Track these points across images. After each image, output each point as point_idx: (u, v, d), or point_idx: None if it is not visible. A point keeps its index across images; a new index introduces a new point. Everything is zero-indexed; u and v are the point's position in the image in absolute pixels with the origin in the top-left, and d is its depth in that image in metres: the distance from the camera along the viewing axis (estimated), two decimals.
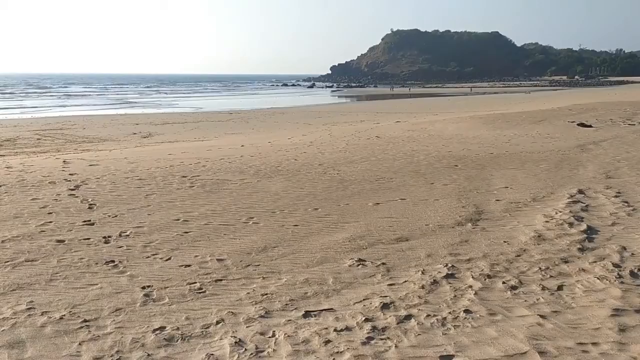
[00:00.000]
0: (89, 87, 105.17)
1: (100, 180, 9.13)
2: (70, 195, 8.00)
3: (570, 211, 6.83)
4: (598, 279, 4.56)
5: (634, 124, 17.44)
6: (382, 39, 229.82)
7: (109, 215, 6.87)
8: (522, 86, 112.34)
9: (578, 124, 17.04)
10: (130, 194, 8.05)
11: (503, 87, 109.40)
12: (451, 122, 20.64)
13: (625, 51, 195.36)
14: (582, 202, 7.33)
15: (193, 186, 8.64)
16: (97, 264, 5.10)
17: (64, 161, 12.92)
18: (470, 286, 4.43)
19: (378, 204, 7.47)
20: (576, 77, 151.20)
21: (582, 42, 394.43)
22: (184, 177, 9.49)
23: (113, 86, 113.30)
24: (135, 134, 26.49)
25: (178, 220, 6.66)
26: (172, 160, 12.00)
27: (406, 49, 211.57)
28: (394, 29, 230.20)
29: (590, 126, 16.76)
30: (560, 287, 4.40)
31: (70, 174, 9.84)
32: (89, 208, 7.26)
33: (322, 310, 4.03)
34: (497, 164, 10.61)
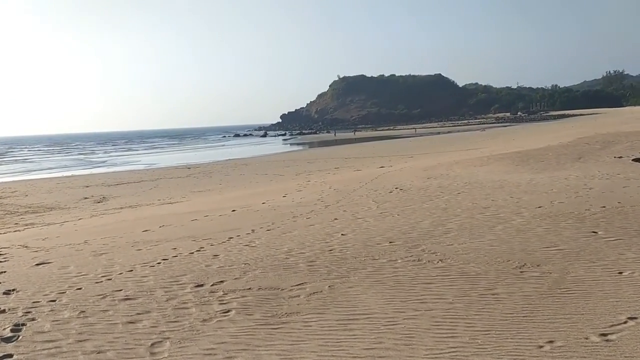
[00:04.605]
0: (19, 151, 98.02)
1: (56, 310, 5.22)
2: None
3: None
4: None
5: None
6: (330, 86, 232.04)
7: None
8: (470, 124, 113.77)
9: (634, 160, 14.39)
10: (127, 354, 4.23)
11: (453, 126, 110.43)
12: (470, 164, 17.71)
13: (560, 86, 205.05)
14: None
15: (229, 311, 4.89)
16: None
17: None
18: None
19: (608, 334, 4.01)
20: (519, 113, 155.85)
21: (519, 80, 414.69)
22: (199, 286, 5.73)
23: (48, 148, 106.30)
24: (86, 198, 22.37)
25: None
26: (157, 245, 8.20)
27: (354, 94, 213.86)
28: (341, 76, 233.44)
29: None
30: None
31: (4, 293, 5.88)
32: None
33: None
34: None
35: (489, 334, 3.97)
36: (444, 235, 7.47)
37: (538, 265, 5.60)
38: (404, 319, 4.36)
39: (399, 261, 6.20)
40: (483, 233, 7.36)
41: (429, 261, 6.09)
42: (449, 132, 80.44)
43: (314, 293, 5.22)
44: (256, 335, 4.25)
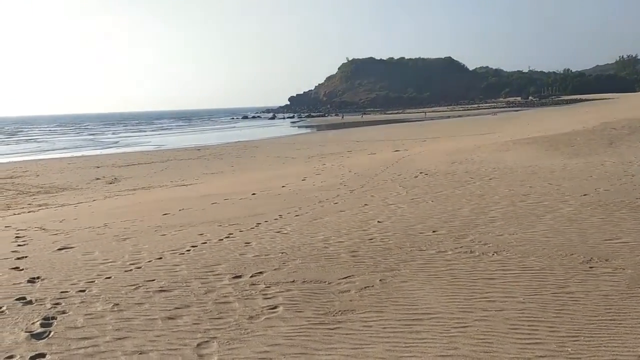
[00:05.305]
0: (29, 130, 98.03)
1: (88, 302, 4.82)
2: None
3: None
4: None
5: None
6: (339, 68, 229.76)
7: None
8: (481, 108, 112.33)
9: None
10: None
11: (463, 110, 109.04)
12: (494, 149, 17.16)
13: (572, 70, 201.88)
14: None
15: (276, 307, 4.45)
16: None
17: (17, 235, 8.56)
18: None
19: None
20: (530, 97, 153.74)
21: (530, 64, 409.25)
22: (237, 277, 5.31)
23: (57, 128, 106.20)
24: (98, 179, 22.08)
25: None
26: (181, 230, 7.78)
27: (363, 77, 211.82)
28: (350, 58, 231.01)
29: None
30: None
31: (29, 281, 5.49)
32: None
33: None
34: None
35: (577, 340, 3.53)
36: (489, 224, 7.01)
37: (607, 260, 5.14)
38: (475, 320, 3.93)
39: (450, 253, 5.76)
40: (533, 223, 6.89)
41: (483, 253, 5.64)
42: (459, 116, 79.37)
43: (365, 288, 4.80)
44: (312, 337, 3.83)
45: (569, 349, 3.41)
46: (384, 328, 3.91)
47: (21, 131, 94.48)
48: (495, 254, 5.56)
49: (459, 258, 5.53)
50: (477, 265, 5.23)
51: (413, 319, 4.02)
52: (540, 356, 3.35)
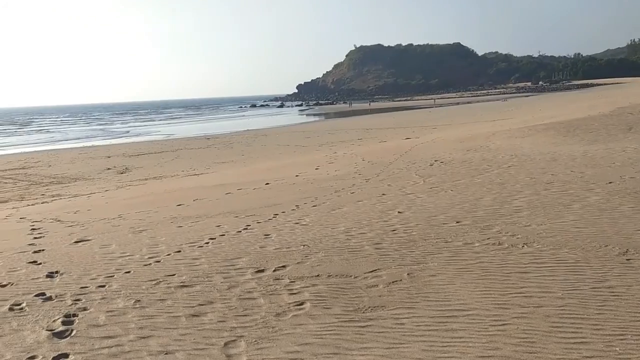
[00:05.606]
0: (41, 121, 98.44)
1: (108, 298, 4.70)
2: None
3: None
4: None
5: None
6: (347, 56, 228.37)
7: None
8: (490, 94, 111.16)
9: None
10: None
11: (472, 96, 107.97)
12: (510, 136, 16.87)
13: (583, 55, 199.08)
14: None
15: (303, 304, 4.31)
16: None
17: (32, 227, 8.50)
18: None
19: None
20: (540, 82, 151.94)
21: (540, 49, 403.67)
22: (260, 272, 5.16)
23: (68, 118, 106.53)
24: (109, 169, 22.09)
25: None
26: (197, 221, 7.63)
27: (371, 64, 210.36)
28: (357, 45, 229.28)
29: None
30: None
31: (47, 276, 5.38)
32: None
33: None
34: None
35: (624, 339, 3.35)
36: (514, 214, 6.81)
37: None
38: (513, 317, 3.75)
39: (477, 244, 5.57)
40: (560, 212, 6.68)
41: (512, 245, 5.45)
42: (468, 102, 78.61)
43: (393, 282, 4.63)
44: (343, 335, 3.68)
45: (617, 349, 3.23)
46: (418, 326, 3.75)
47: (33, 122, 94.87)
48: (525, 246, 5.37)
49: (487, 250, 5.34)
50: (507, 257, 5.05)
51: (447, 316, 3.86)
52: (588, 357, 3.18)
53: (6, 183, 18.50)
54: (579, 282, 4.32)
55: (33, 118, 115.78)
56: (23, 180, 19.04)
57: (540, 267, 4.71)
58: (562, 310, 3.82)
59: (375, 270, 4.99)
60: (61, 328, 3.99)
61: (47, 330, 3.97)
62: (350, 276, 4.86)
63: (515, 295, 4.15)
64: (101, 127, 68.55)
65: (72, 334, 3.90)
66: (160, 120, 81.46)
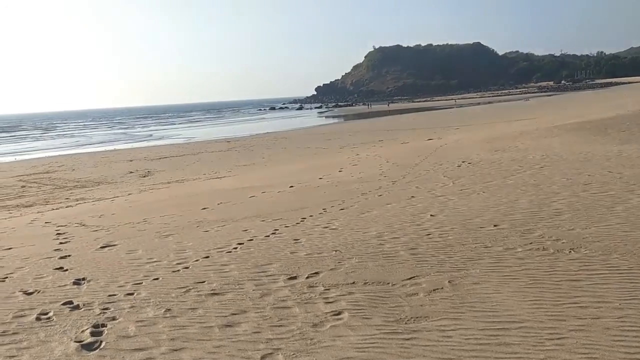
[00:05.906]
0: (65, 125, 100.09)
1: (138, 307, 4.53)
2: None
3: None
4: None
5: None
6: (365, 57, 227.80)
7: None
8: (511, 94, 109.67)
9: None
10: None
11: (493, 96, 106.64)
12: (538, 136, 16.44)
13: (606, 53, 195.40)
14: None
15: (340, 313, 4.08)
16: None
17: (58, 232, 8.43)
18: None
19: None
20: (563, 82, 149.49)
21: (562, 48, 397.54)
22: (292, 278, 4.95)
23: (91, 123, 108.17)
24: (132, 172, 22.17)
25: None
26: (224, 225, 7.45)
27: (390, 65, 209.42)
28: (376, 46, 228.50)
29: None
30: None
31: (74, 283, 5.25)
32: None
33: None
34: None
35: None
36: (555, 217, 6.49)
37: None
38: (570, 330, 3.47)
39: (519, 250, 5.29)
40: (603, 215, 6.35)
41: (557, 250, 5.15)
42: (489, 102, 77.65)
43: (434, 290, 4.38)
44: (387, 349, 3.44)
45: None
46: (467, 339, 3.49)
47: (57, 127, 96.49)
48: (572, 251, 5.07)
49: (531, 256, 5.05)
50: (555, 264, 4.75)
51: (498, 329, 3.59)
52: None
53: (31, 187, 18.66)
54: (636, 290, 4.02)
55: (56, 123, 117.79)
56: (47, 185, 19.19)
57: (592, 275, 4.42)
58: (622, 322, 3.53)
59: (414, 277, 4.74)
60: (90, 339, 3.83)
61: (75, 341, 3.81)
62: (388, 283, 4.63)
63: (569, 305, 3.87)
64: (123, 130, 69.33)
65: (102, 345, 3.73)
66: (181, 123, 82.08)
